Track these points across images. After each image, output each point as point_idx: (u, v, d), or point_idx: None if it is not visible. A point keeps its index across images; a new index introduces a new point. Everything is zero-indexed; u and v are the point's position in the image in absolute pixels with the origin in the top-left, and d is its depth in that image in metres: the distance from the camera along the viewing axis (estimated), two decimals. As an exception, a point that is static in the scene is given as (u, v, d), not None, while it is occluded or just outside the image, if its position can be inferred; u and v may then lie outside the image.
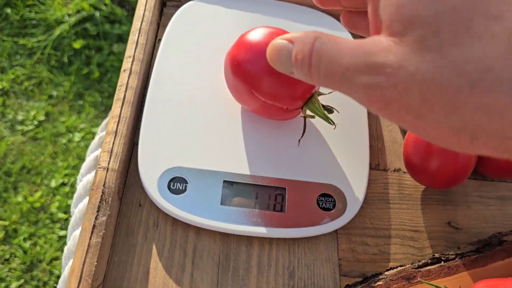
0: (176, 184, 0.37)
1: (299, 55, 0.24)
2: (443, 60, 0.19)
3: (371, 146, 0.44)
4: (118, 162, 0.36)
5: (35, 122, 1.57)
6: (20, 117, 1.59)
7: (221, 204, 0.37)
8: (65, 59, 1.71)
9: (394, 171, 0.43)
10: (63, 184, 1.48)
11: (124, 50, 1.73)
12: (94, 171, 0.46)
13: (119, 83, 0.41)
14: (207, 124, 0.40)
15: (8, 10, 1.80)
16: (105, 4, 1.80)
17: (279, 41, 0.26)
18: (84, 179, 0.46)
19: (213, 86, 0.43)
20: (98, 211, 0.34)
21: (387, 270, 0.36)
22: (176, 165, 0.38)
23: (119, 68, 1.68)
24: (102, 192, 0.34)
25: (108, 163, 0.36)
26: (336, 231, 0.39)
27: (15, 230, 1.39)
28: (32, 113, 1.59)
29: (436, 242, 0.40)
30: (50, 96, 1.63)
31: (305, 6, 0.50)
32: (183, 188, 0.37)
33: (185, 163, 0.38)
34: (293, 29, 0.48)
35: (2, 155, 1.51)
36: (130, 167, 0.40)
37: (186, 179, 0.37)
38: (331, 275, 0.37)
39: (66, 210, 1.43)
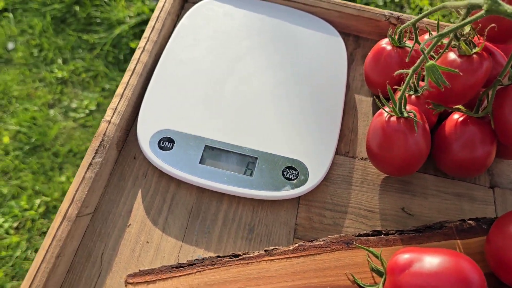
0: (165, 142, 0.44)
1: None
2: None
3: (345, 136, 0.49)
4: (119, 119, 0.44)
5: (87, 111, 1.71)
6: (74, 105, 1.72)
7: (200, 163, 0.44)
8: (121, 57, 1.85)
9: (362, 159, 0.48)
10: (103, 170, 1.59)
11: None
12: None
13: (132, 58, 0.49)
14: (198, 98, 0.48)
15: (77, 8, 1.97)
16: (164, 10, 1.93)
17: None
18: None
19: (210, 71, 0.50)
20: (95, 153, 0.41)
21: (332, 236, 0.41)
22: (167, 127, 0.45)
23: (167, 69, 1.79)
24: (102, 139, 0.42)
25: (111, 118, 0.44)
26: (298, 201, 0.45)
27: (55, 207, 1.51)
28: (85, 102, 1.73)
29: (387, 223, 0.44)
30: (103, 89, 1.77)
31: (307, 12, 0.57)
32: (170, 147, 0.44)
33: (175, 127, 0.45)
34: (293, 32, 0.55)
35: (53, 137, 1.65)
36: (132, 127, 0.47)
37: (174, 139, 0.45)
38: (285, 236, 0.43)
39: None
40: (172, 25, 0.55)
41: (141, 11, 1.95)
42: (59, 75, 1.78)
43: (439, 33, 0.37)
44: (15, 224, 1.49)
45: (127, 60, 1.83)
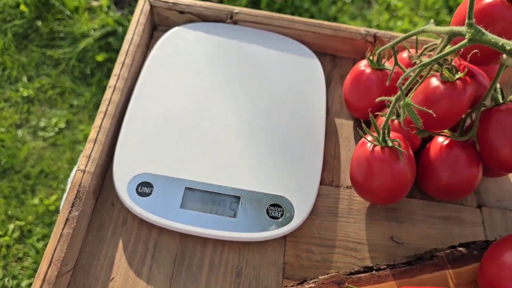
0: (144, 188, 0.42)
1: None
2: None
3: (327, 164, 0.49)
4: (94, 166, 0.42)
5: (56, 129, 1.66)
6: (42, 124, 1.67)
7: (181, 207, 0.42)
8: (88, 71, 1.80)
9: (347, 187, 0.47)
10: (78, 189, 1.55)
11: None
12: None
13: (104, 98, 0.47)
14: (175, 137, 0.46)
15: (39, 23, 1.92)
16: (128, 20, 1.89)
17: None
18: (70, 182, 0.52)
19: (185, 106, 0.48)
20: (72, 206, 0.39)
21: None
22: (145, 171, 0.43)
23: (137, 82, 1.76)
24: (77, 191, 0.40)
25: (86, 166, 0.42)
26: (285, 238, 0.44)
27: (29, 231, 1.46)
28: (54, 120, 1.68)
29: (377, 254, 0.44)
30: (72, 105, 1.72)
31: (281, 34, 0.56)
32: (149, 192, 0.42)
33: (153, 170, 0.43)
34: (268, 56, 0.53)
35: (23, 159, 1.60)
36: (108, 171, 0.45)
37: (152, 184, 0.43)
38: (274, 277, 0.41)
39: (79, 214, 1.49)
40: (142, 56, 0.53)
41: (106, 23, 1.91)
42: (25, 93, 1.73)
43: (420, 63, 0.36)
44: (-11, 252, 1.44)
45: (94, 74, 1.79)
